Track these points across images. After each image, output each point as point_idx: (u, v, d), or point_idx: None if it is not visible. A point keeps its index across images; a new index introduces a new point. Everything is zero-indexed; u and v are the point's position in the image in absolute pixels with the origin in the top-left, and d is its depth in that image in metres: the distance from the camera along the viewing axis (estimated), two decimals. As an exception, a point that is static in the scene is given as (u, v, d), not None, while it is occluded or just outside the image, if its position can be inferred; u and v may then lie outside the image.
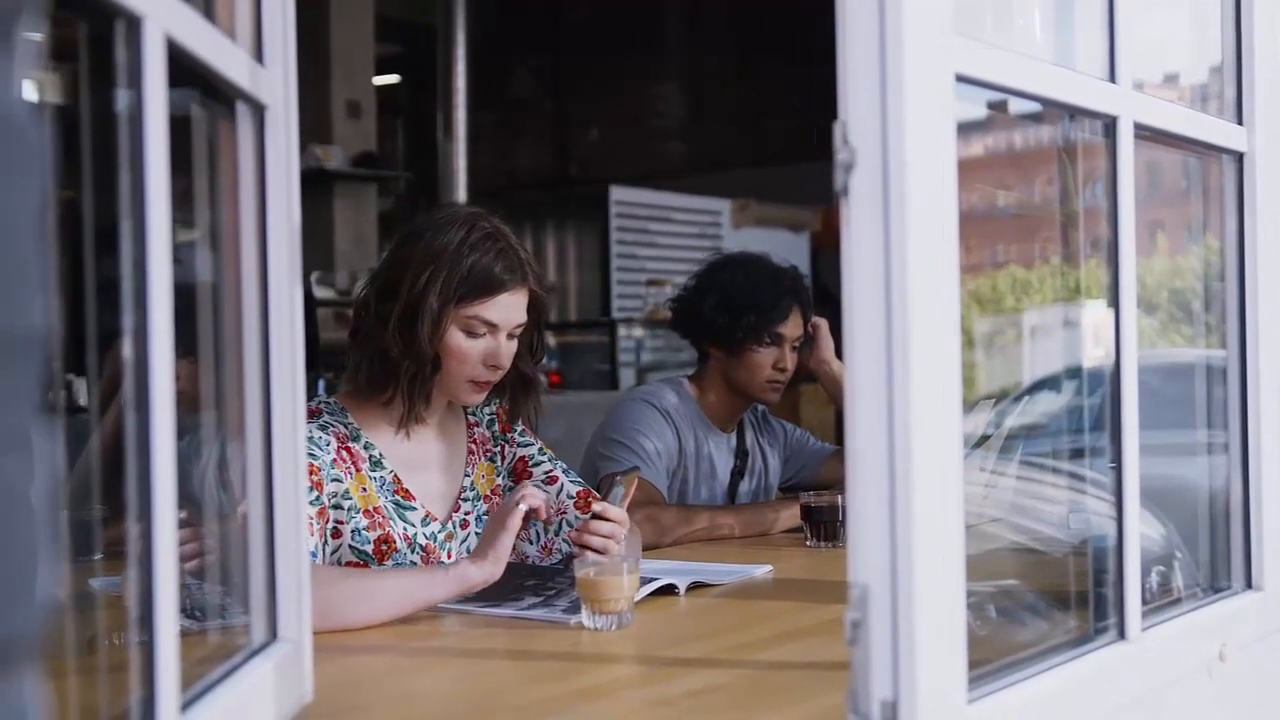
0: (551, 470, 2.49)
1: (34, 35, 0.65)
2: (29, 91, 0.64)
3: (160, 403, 1.05)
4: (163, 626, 1.06)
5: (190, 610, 1.36)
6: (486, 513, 2.43)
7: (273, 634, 1.44)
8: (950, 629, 1.26)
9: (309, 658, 1.50)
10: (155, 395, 1.05)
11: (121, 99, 1.05)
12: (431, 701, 1.68)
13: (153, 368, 1.04)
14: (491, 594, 2.10)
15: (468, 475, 2.44)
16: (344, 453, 2.26)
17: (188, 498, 1.13)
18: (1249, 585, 1.90)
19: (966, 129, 1.34)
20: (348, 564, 2.23)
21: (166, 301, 1.06)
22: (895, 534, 1.21)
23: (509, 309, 2.29)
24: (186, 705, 1.14)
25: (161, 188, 1.06)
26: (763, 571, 2.46)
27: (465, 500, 2.43)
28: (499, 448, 2.51)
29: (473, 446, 2.47)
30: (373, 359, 2.29)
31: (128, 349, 1.04)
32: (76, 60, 1.06)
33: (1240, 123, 1.90)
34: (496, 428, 2.51)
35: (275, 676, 1.38)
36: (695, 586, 2.29)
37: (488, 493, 2.46)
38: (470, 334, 2.27)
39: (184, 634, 1.12)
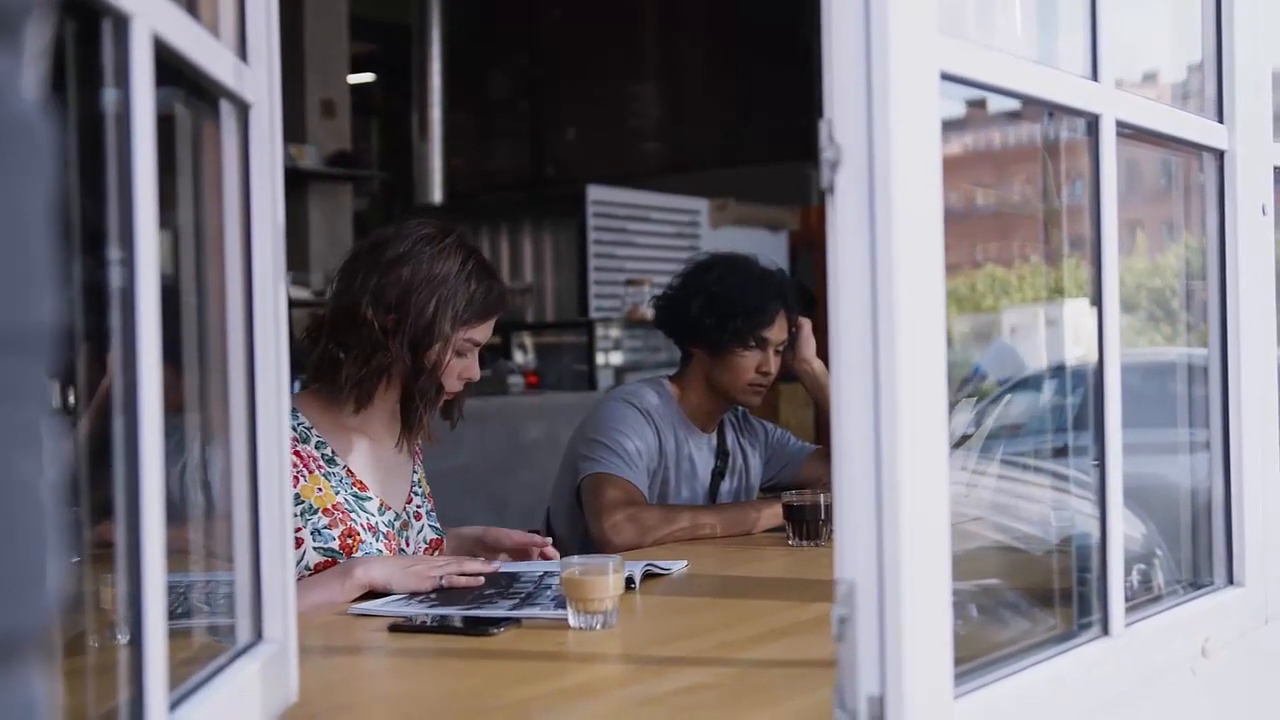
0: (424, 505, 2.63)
1: (41, 34, 0.65)
2: (36, 90, 0.64)
3: (148, 404, 1.05)
4: (151, 627, 1.05)
5: (174, 610, 1.36)
6: (431, 509, 2.58)
7: (258, 635, 1.43)
8: (937, 624, 1.26)
9: (294, 658, 1.49)
10: (143, 396, 1.04)
11: (108, 98, 1.05)
12: (417, 702, 1.68)
13: (140, 369, 1.04)
14: (466, 600, 2.11)
15: (415, 472, 2.58)
16: (293, 456, 2.30)
17: (168, 499, 1.13)
18: (1230, 581, 1.92)
19: (945, 127, 1.34)
20: (316, 566, 2.27)
21: (154, 301, 1.06)
22: (882, 530, 1.22)
23: (491, 329, 2.48)
24: (174, 705, 1.14)
25: (149, 187, 1.05)
26: (679, 567, 2.48)
27: (416, 494, 2.55)
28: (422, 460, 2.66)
29: (416, 449, 2.59)
30: (377, 373, 2.37)
31: (116, 350, 1.03)
32: (61, 58, 1.05)
33: (1221, 120, 1.91)
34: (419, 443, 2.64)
35: (261, 677, 1.38)
36: (649, 576, 2.35)
37: (428, 491, 2.61)
38: (458, 354, 2.42)
39: (170, 633, 1.11)
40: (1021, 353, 2.34)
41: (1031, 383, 2.42)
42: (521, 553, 2.54)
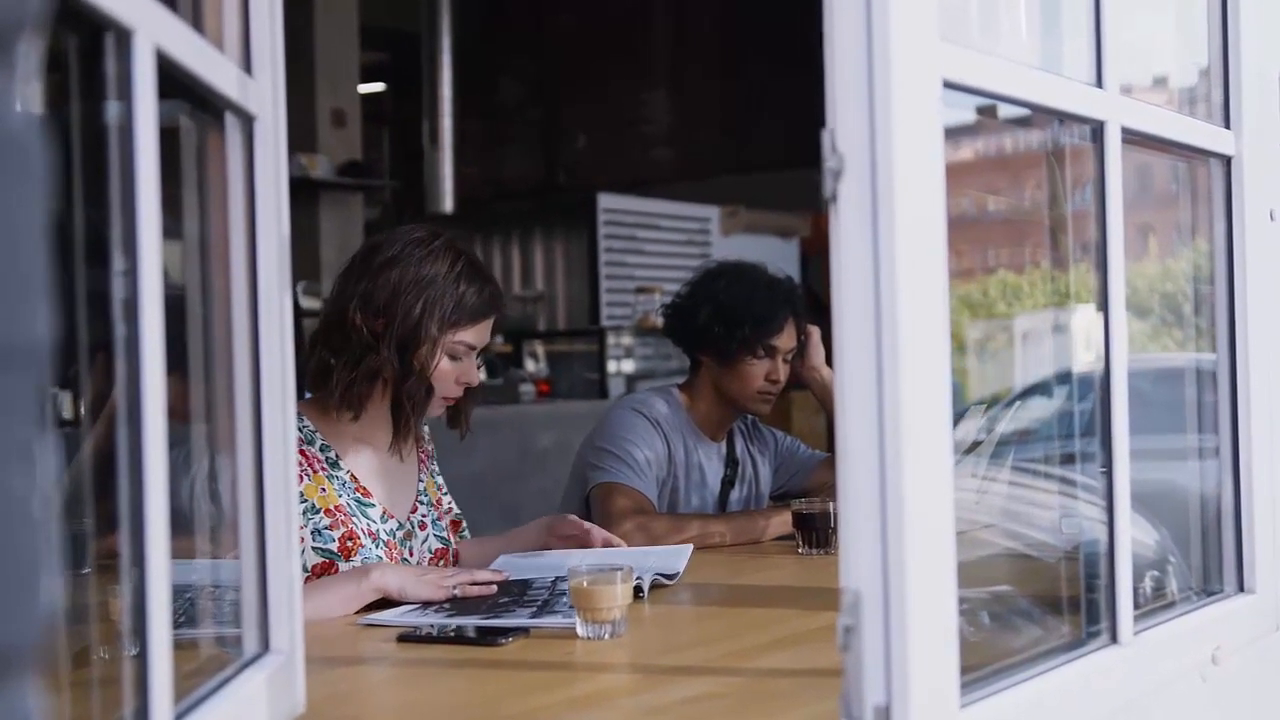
0: (449, 502, 2.67)
1: (35, 49, 0.66)
2: (30, 105, 0.64)
3: (152, 415, 1.05)
4: (155, 639, 1.06)
5: (180, 620, 1.36)
6: (437, 519, 2.57)
7: (265, 646, 1.43)
8: (943, 633, 1.26)
9: (301, 669, 1.49)
10: (146, 408, 1.04)
11: (111, 110, 1.05)
12: (424, 712, 1.68)
13: (144, 380, 1.04)
14: (481, 610, 2.11)
15: (421, 481, 2.57)
16: (299, 456, 2.31)
17: (177, 511, 1.13)
18: (1241, 588, 1.91)
19: (955, 134, 1.34)
20: (314, 567, 2.28)
21: (157, 313, 1.06)
22: (887, 539, 1.22)
23: (487, 333, 2.46)
24: (179, 717, 1.14)
25: (152, 199, 1.06)
26: (685, 553, 2.53)
27: (421, 503, 2.55)
28: (434, 465, 2.66)
29: (422, 457, 2.60)
30: (367, 377, 2.37)
31: (120, 362, 1.03)
32: (65, 71, 1.06)
33: (1228, 126, 1.90)
34: (430, 446, 2.66)
35: (268, 688, 1.38)
36: (656, 586, 2.35)
37: (436, 500, 2.60)
38: (452, 357, 2.41)
39: (176, 644, 1.12)
40: (1033, 358, 2.33)
41: (1042, 389, 2.42)
42: (583, 541, 2.57)
